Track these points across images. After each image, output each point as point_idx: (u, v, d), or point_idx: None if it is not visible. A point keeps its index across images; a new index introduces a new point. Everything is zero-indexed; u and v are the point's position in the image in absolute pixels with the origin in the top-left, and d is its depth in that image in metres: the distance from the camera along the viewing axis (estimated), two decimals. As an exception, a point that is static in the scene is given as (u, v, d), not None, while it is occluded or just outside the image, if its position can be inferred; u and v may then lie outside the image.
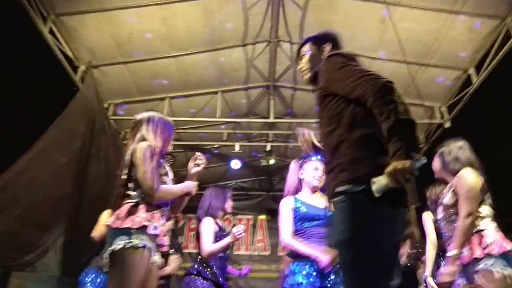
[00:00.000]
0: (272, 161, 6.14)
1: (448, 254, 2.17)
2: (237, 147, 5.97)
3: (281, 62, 5.44)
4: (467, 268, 2.22)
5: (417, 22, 4.37)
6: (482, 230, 2.24)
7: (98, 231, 3.34)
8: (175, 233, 4.65)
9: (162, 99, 5.61)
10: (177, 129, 5.98)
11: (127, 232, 1.98)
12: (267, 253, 7.54)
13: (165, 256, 4.02)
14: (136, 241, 1.96)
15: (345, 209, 1.43)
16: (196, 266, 3.11)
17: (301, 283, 2.45)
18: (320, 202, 2.74)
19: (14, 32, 5.11)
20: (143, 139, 2.20)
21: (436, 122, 5.44)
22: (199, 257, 3.15)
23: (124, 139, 5.79)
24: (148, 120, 2.28)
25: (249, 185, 8.15)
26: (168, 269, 4.14)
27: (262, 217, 7.78)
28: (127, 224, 2.00)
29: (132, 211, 2.05)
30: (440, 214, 2.46)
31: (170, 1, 4.31)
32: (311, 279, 2.45)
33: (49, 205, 4.19)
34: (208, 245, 3.04)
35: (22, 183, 3.80)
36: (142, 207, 2.07)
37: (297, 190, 2.83)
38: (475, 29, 4.41)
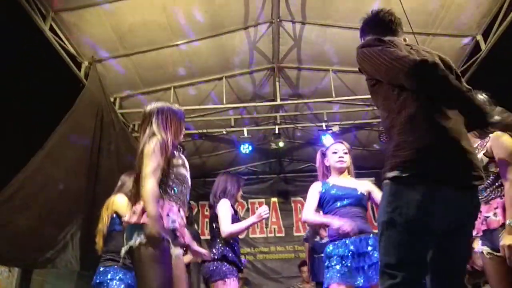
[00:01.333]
0: (281, 144, 6.13)
1: (508, 222, 1.96)
2: (245, 132, 5.96)
3: (285, 43, 5.36)
4: (493, 234, 2.10)
5: (422, -9, 4.28)
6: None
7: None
8: (190, 220, 4.68)
9: (167, 89, 5.59)
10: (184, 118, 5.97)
11: (144, 227, 1.97)
12: (282, 234, 7.61)
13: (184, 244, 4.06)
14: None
15: (385, 193, 1.53)
16: (219, 250, 3.01)
17: (336, 265, 2.47)
18: (349, 182, 2.75)
19: (15, 33, 5.10)
20: (153, 133, 2.15)
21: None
22: (219, 240, 3.07)
23: (133, 131, 5.81)
24: (157, 112, 2.22)
25: (260, 168, 8.17)
26: (187, 258, 4.18)
27: (275, 199, 7.82)
28: (144, 220, 1.98)
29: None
30: None
31: (168, -12, 4.26)
32: (348, 262, 2.46)
33: (65, 201, 4.24)
34: (228, 225, 2.99)
35: (38, 181, 3.84)
36: (160, 203, 2.03)
37: (327, 177, 2.88)
38: (481, -6, 4.31)
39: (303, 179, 7.59)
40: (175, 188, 2.13)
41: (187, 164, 2.28)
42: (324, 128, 5.92)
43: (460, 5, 4.40)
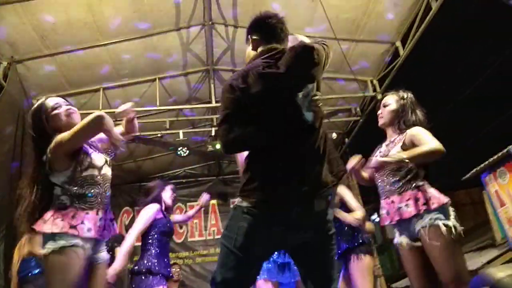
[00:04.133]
0: (218, 146, 6.13)
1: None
2: (181, 135, 5.89)
3: (218, 45, 5.39)
4: (409, 225, 2.26)
5: (345, -1, 4.52)
6: (419, 186, 2.26)
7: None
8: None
9: (96, 90, 5.37)
10: (115, 121, 5.76)
11: (54, 236, 1.92)
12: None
13: (112, 250, 3.95)
14: (62, 242, 1.91)
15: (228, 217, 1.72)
16: (145, 264, 3.01)
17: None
18: None
19: None
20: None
21: (370, 94, 5.72)
22: (149, 252, 3.07)
23: (59, 136, 5.49)
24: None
25: (198, 171, 8.10)
26: (117, 264, 4.06)
27: (214, 201, 7.79)
28: (54, 228, 1.92)
29: (58, 214, 1.96)
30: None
31: (93, -13, 4.11)
32: (274, 258, 2.57)
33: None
34: (133, 234, 2.98)
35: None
36: (70, 211, 1.98)
37: None
38: (399, 3, 4.64)
39: (242, 180, 7.64)
40: (87, 193, 2.04)
41: (98, 162, 2.14)
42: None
43: (381, 13, 4.71)
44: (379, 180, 2.44)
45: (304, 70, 1.63)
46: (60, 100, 2.16)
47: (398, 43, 5.09)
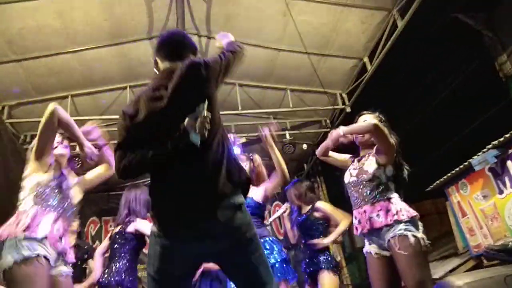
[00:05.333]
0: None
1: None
2: (151, 143, 5.81)
3: (191, 55, 5.40)
4: (379, 234, 2.34)
5: (315, 15, 4.65)
6: (390, 198, 2.36)
7: None
8: (81, 235, 4.47)
9: (64, 97, 5.26)
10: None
11: (14, 242, 1.87)
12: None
13: (83, 262, 3.85)
14: (26, 252, 1.86)
15: None
16: (115, 276, 2.97)
17: (275, 263, 2.72)
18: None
19: None
20: None
21: (339, 107, 5.88)
22: (122, 263, 3.05)
23: (24, 143, 5.33)
24: None
25: (168, 180, 8.00)
26: (94, 276, 3.94)
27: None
28: (12, 232, 1.88)
29: (20, 218, 1.94)
30: (352, 178, 2.50)
31: (64, -6, 4.07)
32: (282, 254, 2.76)
33: None
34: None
35: None
36: (32, 212, 1.96)
37: None
38: (366, 21, 4.81)
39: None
40: (53, 198, 2.07)
41: (70, 180, 2.24)
42: (232, 139, 6.04)
43: (349, 30, 4.88)
44: (353, 191, 2.52)
45: (190, 89, 1.60)
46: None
47: (366, 59, 5.27)
